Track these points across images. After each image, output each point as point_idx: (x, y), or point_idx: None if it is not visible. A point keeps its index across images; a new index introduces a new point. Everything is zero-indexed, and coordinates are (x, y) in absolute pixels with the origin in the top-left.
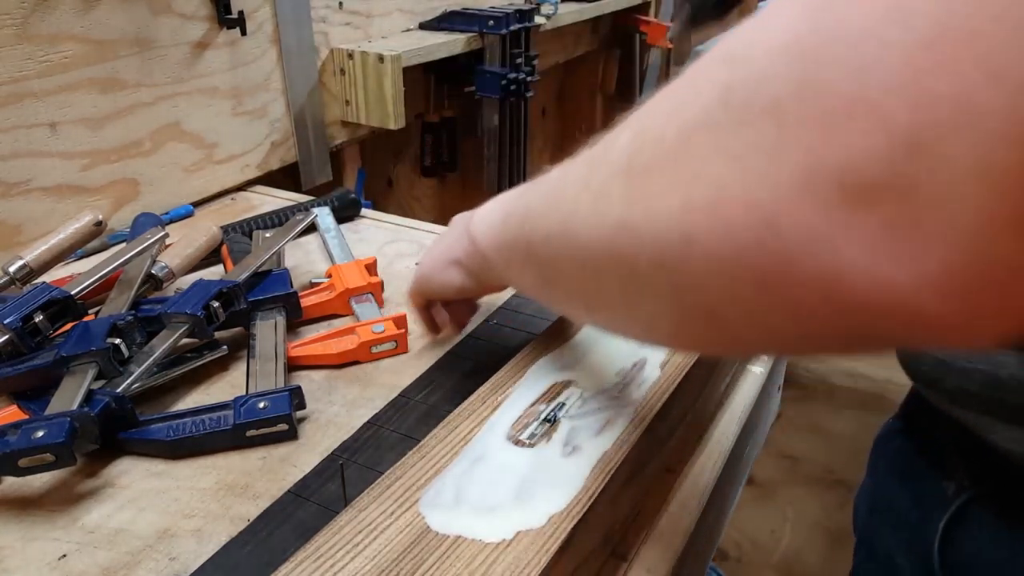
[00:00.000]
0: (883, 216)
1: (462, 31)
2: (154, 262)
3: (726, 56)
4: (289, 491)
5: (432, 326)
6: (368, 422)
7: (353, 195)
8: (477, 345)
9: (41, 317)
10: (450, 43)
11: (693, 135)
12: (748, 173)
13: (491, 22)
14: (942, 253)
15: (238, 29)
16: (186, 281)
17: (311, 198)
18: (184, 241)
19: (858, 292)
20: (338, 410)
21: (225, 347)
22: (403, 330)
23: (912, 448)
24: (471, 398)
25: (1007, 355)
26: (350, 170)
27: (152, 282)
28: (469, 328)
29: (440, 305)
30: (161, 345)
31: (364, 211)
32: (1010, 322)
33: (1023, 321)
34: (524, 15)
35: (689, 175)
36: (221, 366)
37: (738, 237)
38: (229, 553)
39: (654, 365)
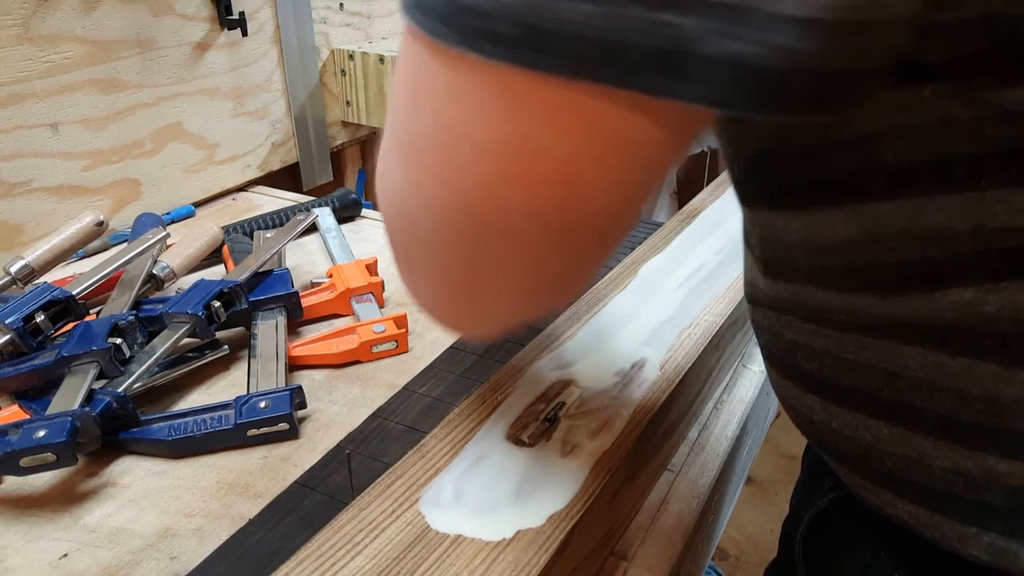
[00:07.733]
0: None
1: None
2: (155, 262)
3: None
4: (296, 481)
5: None
6: (373, 414)
7: (354, 195)
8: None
9: (43, 317)
10: None
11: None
12: None
13: None
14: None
15: (239, 30)
16: (187, 281)
17: (312, 198)
18: (185, 241)
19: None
20: (339, 409)
21: (226, 347)
22: (403, 330)
23: None
24: (471, 397)
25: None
26: (351, 170)
27: (153, 282)
28: None
29: None
30: (162, 345)
31: (365, 211)
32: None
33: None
34: None
35: None
36: (222, 366)
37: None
38: (238, 541)
39: (654, 365)
